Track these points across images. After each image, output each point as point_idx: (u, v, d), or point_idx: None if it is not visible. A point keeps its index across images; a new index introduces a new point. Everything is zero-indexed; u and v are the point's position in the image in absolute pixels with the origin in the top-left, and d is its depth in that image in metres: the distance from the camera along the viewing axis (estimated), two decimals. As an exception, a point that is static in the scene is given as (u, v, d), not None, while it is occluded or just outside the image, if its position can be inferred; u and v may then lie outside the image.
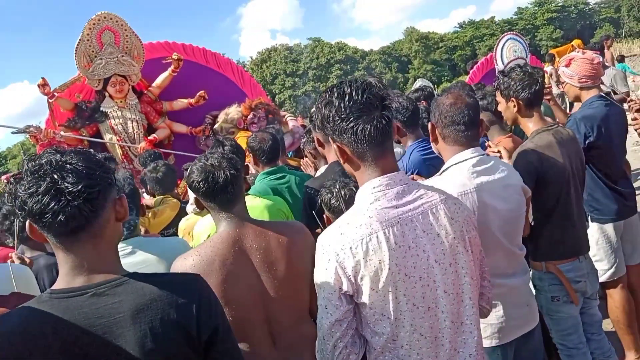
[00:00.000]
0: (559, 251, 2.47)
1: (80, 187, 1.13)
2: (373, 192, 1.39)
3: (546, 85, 4.13)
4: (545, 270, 2.48)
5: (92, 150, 1.22)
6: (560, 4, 54.14)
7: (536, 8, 54.63)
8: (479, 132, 2.07)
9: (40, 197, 1.11)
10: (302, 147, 4.23)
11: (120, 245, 2.19)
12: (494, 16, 58.55)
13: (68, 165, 1.14)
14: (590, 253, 2.63)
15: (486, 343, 2.03)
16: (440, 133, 2.06)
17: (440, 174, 2.06)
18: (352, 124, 1.36)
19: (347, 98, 1.36)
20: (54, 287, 1.19)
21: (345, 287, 1.33)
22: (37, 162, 1.15)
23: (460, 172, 1.97)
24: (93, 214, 1.16)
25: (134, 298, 1.16)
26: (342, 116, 1.36)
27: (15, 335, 1.12)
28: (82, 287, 1.17)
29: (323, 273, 1.36)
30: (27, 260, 2.48)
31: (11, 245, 2.94)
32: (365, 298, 1.34)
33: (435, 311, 1.38)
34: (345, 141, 1.40)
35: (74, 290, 1.16)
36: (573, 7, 53.73)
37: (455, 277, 1.41)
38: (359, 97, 1.35)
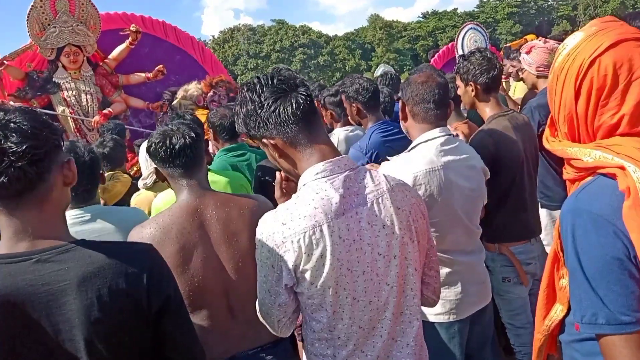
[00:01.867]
0: (511, 234, 2.54)
1: (24, 147, 1.06)
2: (317, 179, 1.31)
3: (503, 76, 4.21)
4: (498, 252, 2.55)
5: (38, 109, 1.16)
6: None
7: (497, 2, 55.87)
8: (447, 112, 2.11)
9: None
10: None
11: (78, 212, 2.14)
12: (457, 8, 59.77)
13: (12, 124, 1.07)
14: (542, 236, 2.73)
15: (444, 318, 2.08)
16: (410, 111, 2.09)
17: (409, 151, 2.09)
18: (272, 108, 1.30)
19: (257, 87, 1.32)
20: (-5, 253, 1.13)
21: (285, 280, 1.29)
22: None
23: (428, 150, 2.01)
24: (38, 176, 1.10)
25: (81, 266, 1.11)
26: (260, 106, 1.32)
27: None
28: (26, 252, 1.11)
29: (264, 262, 1.31)
30: None
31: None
32: (304, 289, 1.30)
33: (377, 304, 1.35)
34: (272, 130, 1.32)
35: (17, 256, 1.10)
36: (532, 3, 55.20)
37: (400, 268, 1.36)
38: (270, 82, 1.32)
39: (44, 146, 1.11)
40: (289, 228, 1.26)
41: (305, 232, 1.25)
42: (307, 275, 1.27)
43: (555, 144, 1.30)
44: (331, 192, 1.29)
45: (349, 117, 3.42)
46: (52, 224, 1.16)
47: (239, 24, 58.62)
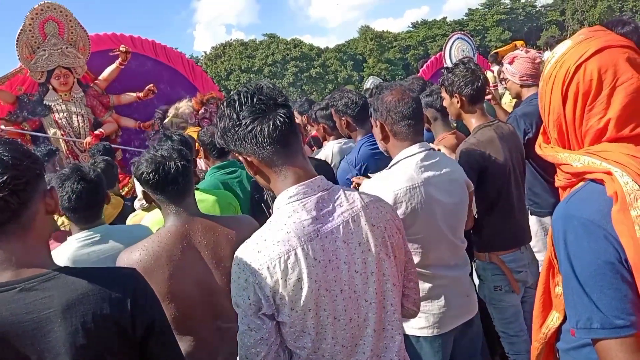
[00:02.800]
0: (501, 242, 2.56)
1: (5, 177, 1.08)
2: (290, 202, 1.30)
3: (491, 85, 4.25)
4: (488, 261, 2.57)
5: (19, 140, 1.17)
6: (508, 6, 56.05)
7: (486, 10, 56.36)
8: (423, 126, 2.11)
9: None
10: None
11: (87, 234, 2.15)
12: (446, 17, 60.09)
13: (-7, 156, 1.09)
14: (531, 244, 2.74)
15: (427, 332, 2.08)
16: (390, 130, 2.07)
17: (390, 168, 2.08)
18: (249, 128, 1.28)
19: (237, 104, 1.29)
20: (-21, 283, 1.13)
21: (264, 309, 1.27)
22: None
23: (408, 166, 2.00)
24: (21, 205, 1.12)
25: (65, 293, 1.12)
26: (237, 123, 1.29)
27: None
28: (10, 282, 1.12)
29: (241, 293, 1.28)
30: None
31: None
32: (285, 317, 1.28)
33: (358, 321, 1.35)
34: (248, 149, 1.31)
35: (1, 286, 1.11)
36: (521, 10, 55.73)
37: (378, 285, 1.36)
38: (249, 100, 1.29)
39: (24, 176, 1.12)
40: (263, 255, 1.26)
41: (280, 258, 1.24)
42: (286, 300, 1.25)
43: (547, 150, 1.33)
44: (303, 214, 1.29)
45: (339, 130, 3.45)
46: (36, 253, 1.17)
47: (231, 39, 58.92)
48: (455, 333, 2.15)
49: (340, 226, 1.31)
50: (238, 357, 1.37)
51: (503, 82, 4.78)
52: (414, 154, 2.02)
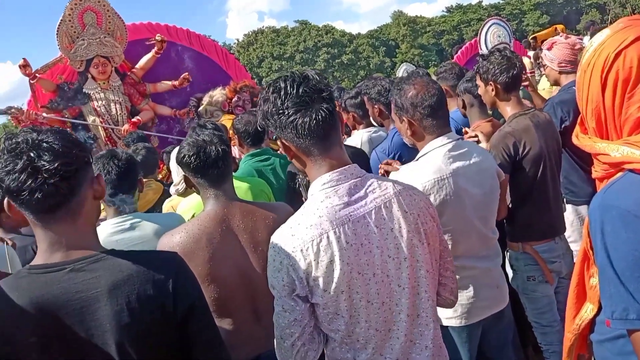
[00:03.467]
0: (535, 232, 2.53)
1: (56, 165, 1.14)
2: (323, 189, 1.35)
3: (528, 71, 4.16)
4: (522, 251, 2.54)
5: (69, 130, 1.23)
6: (547, -11, 54.28)
7: (524, -7, 54.69)
8: (448, 114, 2.09)
9: (17, 175, 1.12)
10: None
11: (119, 220, 2.21)
12: (482, 1, 58.51)
13: (44, 144, 1.15)
14: (566, 234, 2.70)
15: (455, 322, 2.09)
16: (419, 125, 2.02)
17: (417, 160, 2.06)
18: (291, 119, 1.31)
19: (282, 93, 1.32)
20: (32, 263, 1.21)
21: (298, 290, 1.31)
22: (13, 140, 1.16)
23: (436, 158, 1.98)
24: (70, 191, 1.17)
25: (111, 274, 1.18)
26: (280, 111, 1.32)
27: None
28: (61, 262, 1.18)
29: (276, 275, 1.33)
30: (9, 242, 2.49)
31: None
32: (318, 299, 1.31)
33: (390, 305, 1.37)
34: (288, 137, 1.35)
35: (53, 266, 1.18)
36: (560, -8, 53.91)
37: (411, 270, 1.38)
38: (295, 90, 1.31)
39: (74, 163, 1.18)
40: (297, 238, 1.30)
41: (312, 240, 1.29)
42: (320, 282, 1.30)
43: (584, 140, 1.31)
44: (335, 200, 1.33)
45: (371, 119, 3.45)
46: (84, 236, 1.24)
47: (263, 27, 59.03)
48: (484, 324, 2.15)
49: (373, 212, 1.35)
50: (275, 338, 1.42)
51: (541, 69, 4.67)
52: (443, 145, 1.99)
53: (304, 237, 1.30)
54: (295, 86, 1.31)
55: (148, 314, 1.19)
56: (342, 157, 1.40)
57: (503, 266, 2.30)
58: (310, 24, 56.61)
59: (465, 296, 2.07)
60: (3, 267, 2.09)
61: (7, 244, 2.43)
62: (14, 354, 1.14)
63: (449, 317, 2.08)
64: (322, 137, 1.34)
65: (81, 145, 1.23)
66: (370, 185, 1.38)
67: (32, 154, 1.13)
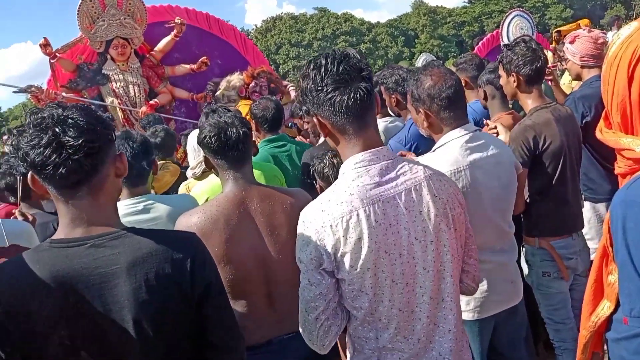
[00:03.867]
0: (552, 228, 2.50)
1: (80, 141, 1.15)
2: (355, 168, 1.37)
3: (550, 65, 4.10)
4: (538, 246, 2.52)
5: (88, 100, 1.24)
6: (571, -17, 53.16)
7: (547, -15, 53.65)
8: (466, 105, 2.06)
9: (42, 149, 1.14)
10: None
11: (132, 202, 2.23)
12: (504, -8, 57.51)
13: (69, 120, 1.16)
14: (583, 231, 2.68)
15: (467, 316, 2.07)
16: (437, 117, 2.00)
17: (434, 151, 2.04)
18: (329, 96, 1.33)
19: (322, 70, 1.33)
20: (53, 237, 1.23)
21: (325, 264, 1.34)
22: (39, 115, 1.17)
23: (453, 149, 1.95)
24: (93, 168, 1.19)
25: (131, 251, 1.19)
26: (319, 88, 1.34)
27: (16, 280, 1.16)
28: (81, 237, 1.20)
29: (304, 249, 1.36)
30: (30, 217, 2.54)
31: (12, 202, 3.00)
32: (344, 274, 1.34)
33: (414, 287, 1.39)
34: (325, 114, 1.38)
35: (74, 241, 1.20)
36: (584, -14, 52.77)
37: (437, 254, 1.40)
38: (335, 68, 1.32)
39: (98, 140, 1.19)
40: (327, 214, 1.33)
41: (342, 217, 1.32)
42: (347, 258, 1.32)
43: (608, 134, 1.30)
44: (367, 179, 1.35)
45: (388, 108, 3.43)
46: (105, 212, 1.25)
47: (282, 13, 58.77)
48: (496, 319, 2.13)
49: (403, 193, 1.37)
50: (299, 311, 1.45)
51: (563, 63, 4.60)
52: (460, 137, 1.97)
53: (334, 213, 1.33)
54: (335, 63, 1.33)
55: (165, 292, 1.21)
56: (376, 138, 1.42)
57: (518, 261, 2.29)
58: (329, 12, 56.23)
59: (479, 290, 2.05)
60: (23, 243, 2.13)
61: (27, 219, 2.48)
62: (33, 326, 1.16)
63: (461, 309, 2.07)
64: (358, 116, 1.36)
65: (105, 122, 1.24)
66: (401, 167, 1.40)
67: (57, 129, 1.14)
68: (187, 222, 1.81)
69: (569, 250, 2.50)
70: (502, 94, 2.98)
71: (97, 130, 1.19)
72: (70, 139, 1.14)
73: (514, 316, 2.19)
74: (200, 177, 3.06)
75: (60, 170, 1.14)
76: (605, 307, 1.33)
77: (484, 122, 2.90)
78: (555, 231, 2.50)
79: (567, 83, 5.21)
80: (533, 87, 2.53)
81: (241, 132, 1.87)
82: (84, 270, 1.17)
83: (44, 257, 1.19)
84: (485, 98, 3.09)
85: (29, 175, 1.23)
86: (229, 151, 1.86)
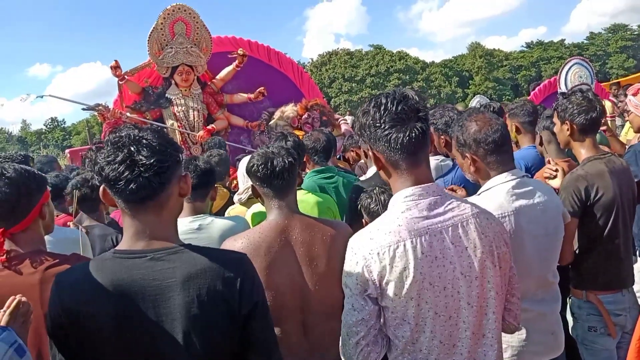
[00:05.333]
0: (601, 282, 2.43)
1: (152, 160, 1.25)
2: (405, 201, 1.43)
3: (608, 115, 4.03)
4: (585, 299, 2.45)
5: (149, 120, 1.34)
6: (635, 32, 51.83)
7: (610, 34, 52.62)
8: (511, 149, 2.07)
9: (116, 165, 1.24)
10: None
11: (190, 220, 2.36)
12: (564, 39, 56.76)
13: (144, 140, 1.27)
14: (635, 288, 2.58)
15: None
16: (483, 162, 2.00)
17: (479, 194, 2.03)
18: (386, 132, 1.41)
19: (382, 108, 1.42)
20: (117, 248, 1.32)
21: (370, 290, 1.38)
22: (118, 134, 1.28)
23: (499, 194, 1.94)
24: (161, 186, 1.28)
25: (187, 266, 1.27)
26: (377, 125, 1.43)
27: (80, 284, 1.26)
28: (143, 250, 1.29)
29: (351, 274, 1.41)
30: (84, 230, 2.70)
31: (69, 212, 3.19)
32: (388, 302, 1.38)
33: (457, 320, 1.41)
34: (380, 149, 1.45)
35: (135, 253, 1.29)
36: (650, 37, 51.34)
37: (481, 290, 1.42)
38: (394, 107, 1.41)
39: (168, 161, 1.29)
40: (375, 242, 1.39)
41: (390, 246, 1.37)
42: (391, 286, 1.37)
43: None
44: (415, 212, 1.41)
45: (437, 149, 3.44)
46: (166, 228, 1.34)
47: (338, 48, 59.92)
48: None
49: (450, 228, 1.41)
50: (341, 335, 1.49)
51: (625, 114, 4.51)
52: (506, 182, 1.96)
53: (382, 242, 1.38)
54: (395, 103, 1.42)
55: (215, 308, 1.27)
56: (427, 174, 1.48)
57: (563, 313, 2.23)
58: (384, 49, 56.87)
59: (516, 338, 2.01)
60: (76, 251, 2.28)
61: (82, 230, 2.64)
62: (90, 330, 1.24)
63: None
64: (411, 153, 1.43)
65: (175, 145, 1.34)
66: (449, 203, 1.45)
67: (132, 148, 1.25)
68: (232, 245, 1.89)
69: (617, 306, 2.42)
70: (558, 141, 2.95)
71: (167, 151, 1.29)
72: (143, 157, 1.25)
73: None
74: (245, 203, 3.16)
75: (131, 185, 1.24)
76: None
77: (546, 160, 2.86)
78: (604, 285, 2.43)
79: (630, 136, 5.09)
80: (586, 137, 2.50)
81: (287, 161, 1.95)
82: (142, 281, 1.25)
83: (107, 265, 1.29)
84: (541, 143, 3.07)
85: (101, 188, 1.33)
86: (274, 180, 1.94)
